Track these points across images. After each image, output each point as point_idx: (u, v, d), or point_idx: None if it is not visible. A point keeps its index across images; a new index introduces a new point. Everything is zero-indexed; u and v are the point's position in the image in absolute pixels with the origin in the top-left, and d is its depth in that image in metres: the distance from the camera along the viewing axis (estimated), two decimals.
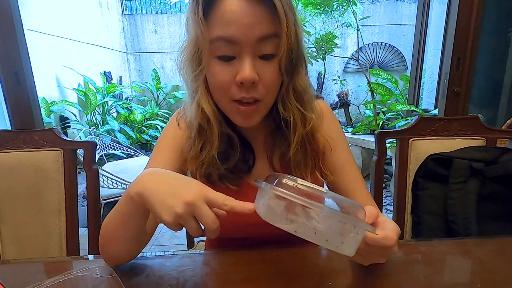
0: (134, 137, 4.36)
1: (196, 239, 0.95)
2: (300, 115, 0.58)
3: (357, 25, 3.41)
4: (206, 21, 0.48)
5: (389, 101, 3.17)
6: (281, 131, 0.60)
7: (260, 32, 0.48)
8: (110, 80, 4.95)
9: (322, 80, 5.19)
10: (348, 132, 3.52)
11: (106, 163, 3.07)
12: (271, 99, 0.55)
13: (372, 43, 5.80)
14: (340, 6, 3.48)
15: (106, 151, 3.26)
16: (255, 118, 0.55)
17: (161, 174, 0.45)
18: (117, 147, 3.35)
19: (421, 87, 2.66)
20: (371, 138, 2.99)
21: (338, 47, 3.85)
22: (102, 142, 3.27)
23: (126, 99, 5.19)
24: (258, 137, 0.65)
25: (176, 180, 0.43)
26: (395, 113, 3.07)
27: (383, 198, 0.99)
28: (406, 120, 2.60)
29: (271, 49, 0.50)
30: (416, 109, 2.51)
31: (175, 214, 0.38)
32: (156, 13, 5.98)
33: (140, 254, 0.56)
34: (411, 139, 0.95)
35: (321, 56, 3.70)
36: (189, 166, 0.61)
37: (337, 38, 3.61)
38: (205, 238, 0.88)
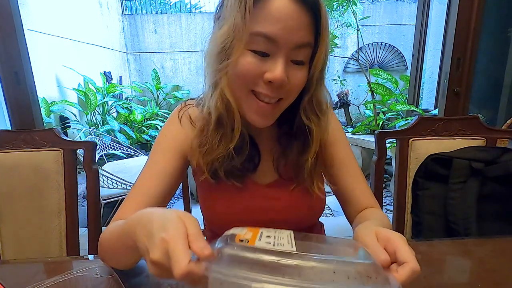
0: (134, 137, 4.35)
1: None
2: (318, 124, 0.58)
3: (357, 25, 3.41)
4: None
5: (389, 101, 3.16)
6: (293, 138, 0.61)
7: (300, 38, 0.49)
8: (110, 80, 4.95)
9: None
10: (348, 132, 3.51)
11: (106, 163, 3.06)
12: (289, 103, 0.56)
13: (372, 43, 5.79)
14: (340, 6, 3.47)
15: (106, 151, 3.25)
16: (271, 118, 0.55)
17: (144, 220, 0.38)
18: (117, 147, 3.34)
19: (421, 87, 2.66)
20: (371, 138, 2.99)
21: (338, 47, 3.84)
22: (102, 142, 3.26)
23: (126, 99, 5.18)
24: (263, 139, 0.65)
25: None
26: (395, 113, 3.07)
27: (383, 198, 0.99)
28: (406, 120, 2.60)
29: (302, 57, 0.51)
30: (416, 109, 2.51)
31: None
32: (156, 13, 5.98)
33: None
34: (411, 139, 0.95)
35: None
36: (198, 160, 0.60)
37: (337, 38, 3.60)
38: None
